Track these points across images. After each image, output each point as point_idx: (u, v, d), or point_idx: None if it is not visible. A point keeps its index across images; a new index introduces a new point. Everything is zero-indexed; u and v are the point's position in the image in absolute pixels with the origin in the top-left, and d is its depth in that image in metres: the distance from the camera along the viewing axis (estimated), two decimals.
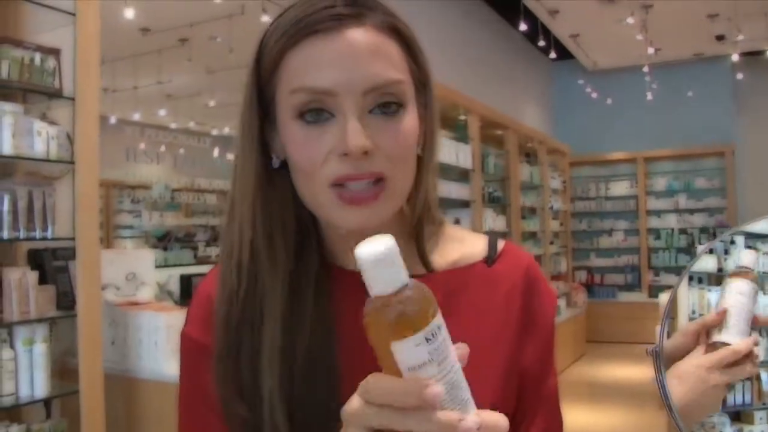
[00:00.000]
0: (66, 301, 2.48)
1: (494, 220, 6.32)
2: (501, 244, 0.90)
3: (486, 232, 0.95)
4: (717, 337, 0.97)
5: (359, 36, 0.74)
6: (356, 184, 0.74)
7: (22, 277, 2.27)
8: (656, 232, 9.35)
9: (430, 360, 0.56)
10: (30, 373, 2.26)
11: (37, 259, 2.58)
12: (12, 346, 2.24)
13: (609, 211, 9.70)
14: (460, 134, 5.80)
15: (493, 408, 0.81)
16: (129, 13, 5.01)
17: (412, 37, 0.81)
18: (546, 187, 7.79)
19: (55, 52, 2.38)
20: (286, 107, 0.76)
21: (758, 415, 1.04)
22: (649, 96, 8.54)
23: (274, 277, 0.79)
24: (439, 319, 0.57)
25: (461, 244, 0.90)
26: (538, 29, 7.21)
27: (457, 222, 5.62)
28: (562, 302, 7.80)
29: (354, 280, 0.85)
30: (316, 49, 0.74)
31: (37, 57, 2.31)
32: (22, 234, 2.26)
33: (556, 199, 8.37)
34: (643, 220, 9.39)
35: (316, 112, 0.74)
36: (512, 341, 0.84)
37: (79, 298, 2.40)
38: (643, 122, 9.33)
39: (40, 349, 2.28)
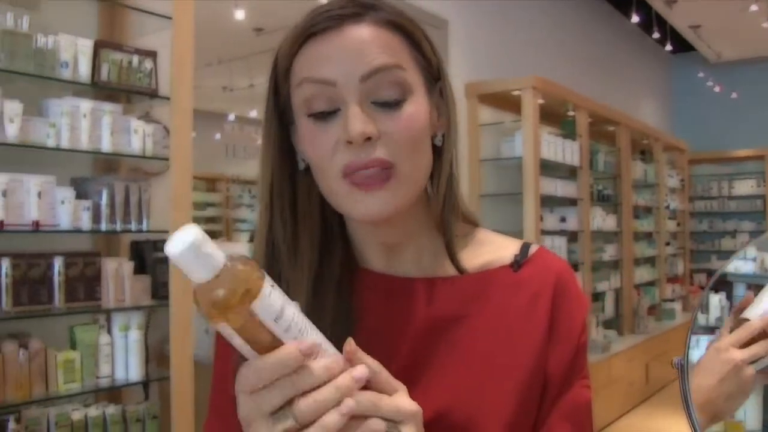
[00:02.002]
0: (164, 291, 2.61)
1: (603, 219, 6.11)
2: (533, 249, 0.89)
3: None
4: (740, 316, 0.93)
5: (357, 31, 0.77)
6: (364, 171, 0.75)
7: (118, 267, 2.40)
8: None
9: (285, 301, 0.60)
10: (125, 358, 2.40)
11: (138, 251, 2.73)
12: (109, 332, 2.39)
13: (732, 211, 9.16)
14: (568, 130, 5.64)
15: (516, 411, 0.80)
16: (240, 14, 5.21)
17: (415, 31, 0.81)
18: (662, 185, 7.45)
19: (152, 55, 2.51)
20: (297, 105, 0.79)
21: None
22: None
23: (299, 277, 0.81)
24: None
25: (492, 248, 0.89)
26: (652, 20, 6.90)
27: (562, 221, 5.48)
28: (677, 306, 7.44)
29: (378, 281, 0.87)
30: (317, 47, 0.77)
31: (135, 59, 2.45)
32: (119, 226, 2.40)
33: (674, 199, 7.99)
34: None
35: (322, 108, 0.77)
36: (536, 347, 0.82)
37: (172, 288, 2.52)
38: None
39: (135, 335, 2.41)
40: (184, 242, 0.56)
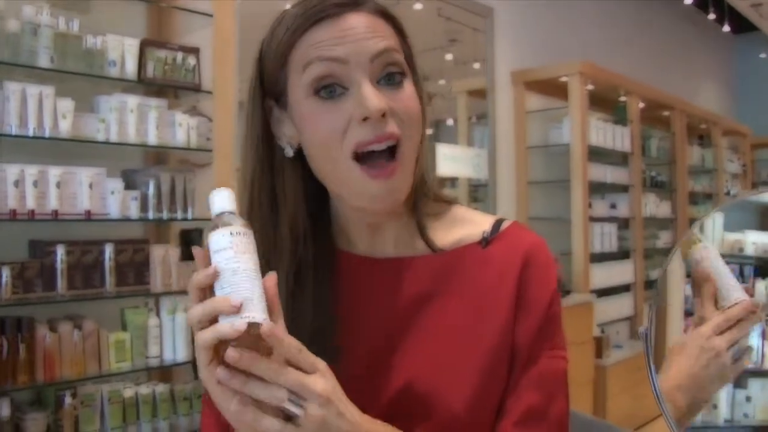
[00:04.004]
0: None
1: (657, 206, 6.02)
2: (506, 225, 0.92)
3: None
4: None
5: (358, 18, 0.83)
6: (377, 146, 0.81)
7: (165, 254, 2.54)
8: None
9: (230, 247, 0.70)
10: (172, 339, 2.53)
11: (187, 238, 2.86)
12: (158, 315, 2.52)
13: None
14: (620, 116, 5.57)
15: (481, 383, 0.84)
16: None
17: (400, 23, 0.88)
18: (721, 171, 7.28)
19: (195, 51, 2.63)
20: (300, 87, 0.83)
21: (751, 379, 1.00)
22: None
23: (280, 263, 0.86)
24: (247, 233, 0.73)
25: (466, 225, 0.93)
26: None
27: (613, 207, 5.43)
28: None
29: (356, 263, 0.91)
30: (325, 31, 0.82)
31: (179, 56, 2.57)
32: (165, 215, 2.54)
33: (735, 185, 7.78)
34: None
35: (331, 87, 0.82)
36: (503, 321, 0.86)
37: None
38: None
39: (182, 318, 2.55)
40: (222, 189, 0.75)
